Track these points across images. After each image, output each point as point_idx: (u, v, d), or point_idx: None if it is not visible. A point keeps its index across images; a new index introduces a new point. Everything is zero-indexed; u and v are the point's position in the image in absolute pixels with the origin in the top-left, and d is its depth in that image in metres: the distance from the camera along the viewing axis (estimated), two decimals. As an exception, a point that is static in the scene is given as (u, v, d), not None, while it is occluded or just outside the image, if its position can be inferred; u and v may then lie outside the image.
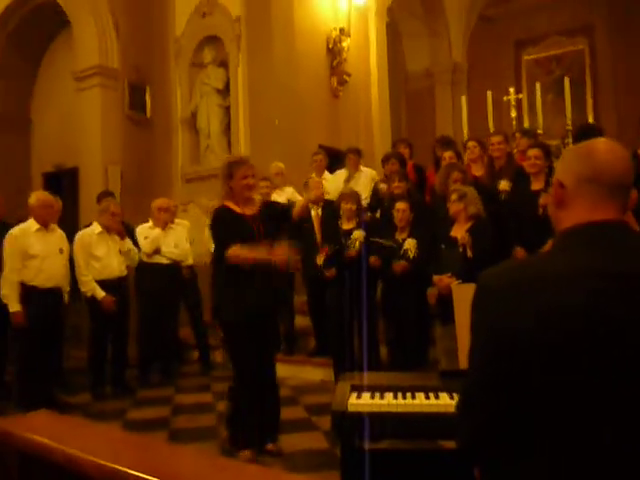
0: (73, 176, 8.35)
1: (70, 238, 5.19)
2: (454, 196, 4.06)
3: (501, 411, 1.14)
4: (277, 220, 3.55)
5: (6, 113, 9.38)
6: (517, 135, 5.99)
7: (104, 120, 7.51)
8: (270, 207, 3.64)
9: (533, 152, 4.36)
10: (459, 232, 4.02)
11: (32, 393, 4.44)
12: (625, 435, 1.05)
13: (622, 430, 1.05)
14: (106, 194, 5.85)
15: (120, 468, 1.03)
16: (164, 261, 5.42)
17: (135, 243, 5.33)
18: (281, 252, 3.24)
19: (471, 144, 5.18)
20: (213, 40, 7.63)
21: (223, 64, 7.55)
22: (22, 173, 9.41)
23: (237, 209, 3.34)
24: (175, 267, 5.51)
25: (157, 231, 5.40)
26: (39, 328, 4.42)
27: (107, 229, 5.01)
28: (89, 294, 4.91)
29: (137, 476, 1.00)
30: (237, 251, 3.17)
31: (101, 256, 4.94)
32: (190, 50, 7.76)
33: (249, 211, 3.37)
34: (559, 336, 1.06)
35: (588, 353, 1.06)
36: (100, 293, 4.87)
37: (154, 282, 5.32)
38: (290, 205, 4.43)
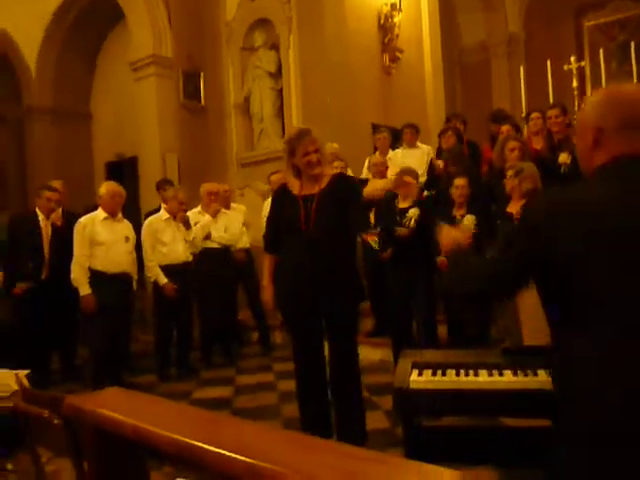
0: (133, 165, 8.60)
1: (132, 224, 5.39)
2: (510, 172, 3.96)
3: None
4: (346, 195, 3.04)
5: (67, 107, 9.75)
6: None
7: (160, 109, 7.67)
8: (340, 181, 3.13)
9: None
10: (515, 208, 3.93)
11: (101, 374, 4.64)
12: None
13: None
14: (165, 182, 5.98)
15: (192, 442, 1.06)
16: (215, 246, 5.50)
17: None
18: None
19: (534, 115, 5.00)
20: (263, 23, 7.63)
21: (274, 47, 7.55)
22: (85, 164, 9.78)
23: (294, 189, 3.10)
24: (226, 251, 5.59)
25: (207, 217, 5.48)
26: (108, 312, 4.57)
27: (173, 215, 5.16)
28: (153, 279, 5.08)
29: (209, 449, 1.03)
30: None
31: (167, 241, 5.10)
32: (241, 34, 7.79)
33: (311, 190, 3.04)
34: (602, 248, 1.30)
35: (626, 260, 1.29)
36: (163, 279, 5.01)
37: (207, 266, 5.41)
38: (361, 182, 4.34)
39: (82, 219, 4.74)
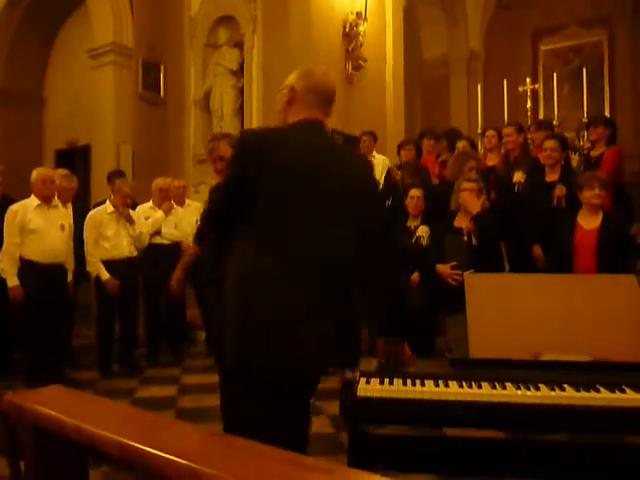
0: (85, 154, 8.37)
1: (81, 216, 5.23)
2: (471, 185, 4.04)
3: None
4: None
5: (20, 90, 9.40)
6: (532, 128, 5.93)
7: (117, 98, 7.49)
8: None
9: (549, 144, 4.33)
10: (463, 221, 4.04)
11: (37, 369, 4.48)
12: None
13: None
14: (117, 173, 5.84)
15: (135, 444, 1.04)
16: (164, 242, 5.42)
17: None
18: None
19: (490, 133, 5.14)
20: (228, 20, 7.56)
21: (238, 45, 7.49)
22: (34, 150, 9.43)
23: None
24: (175, 247, 5.49)
25: (160, 213, 5.38)
26: (36, 303, 4.40)
27: (118, 209, 5.02)
28: (94, 274, 4.93)
29: (148, 451, 1.01)
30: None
31: (111, 236, 4.95)
32: (205, 30, 7.70)
33: None
34: (292, 171, 1.86)
35: (307, 183, 1.86)
36: (105, 275, 4.87)
37: (155, 263, 5.29)
38: None
39: (13, 206, 4.52)
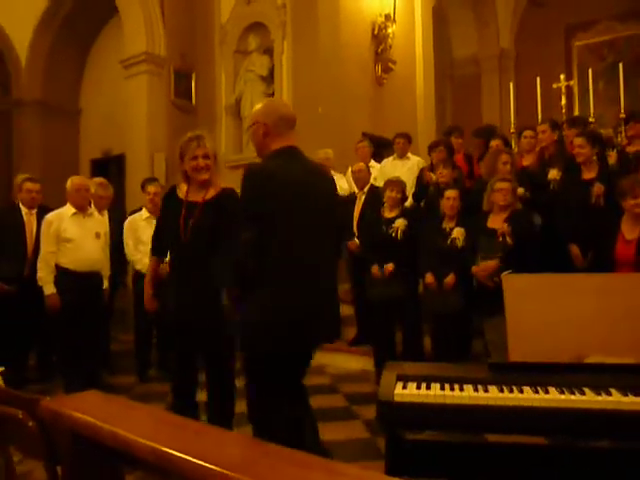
0: (120, 162, 8.52)
1: (117, 223, 5.31)
2: (507, 185, 3.96)
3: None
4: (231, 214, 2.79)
5: (57, 101, 9.65)
6: (565, 125, 5.79)
7: (150, 107, 7.61)
8: (227, 198, 2.90)
9: (577, 141, 4.24)
10: (497, 222, 3.96)
11: (75, 374, 4.54)
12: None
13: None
14: (151, 180, 5.91)
15: (167, 450, 1.03)
16: None
17: None
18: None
19: (528, 133, 5.04)
20: (258, 27, 7.61)
21: (268, 51, 7.53)
22: (71, 160, 9.66)
23: (181, 194, 2.96)
24: None
25: None
26: (72, 310, 4.44)
27: (152, 213, 5.08)
28: (144, 270, 4.97)
29: (185, 459, 1.00)
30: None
31: (146, 240, 5.01)
32: (235, 37, 7.77)
33: (196, 197, 2.89)
34: (289, 196, 2.30)
35: (302, 206, 2.33)
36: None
37: None
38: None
39: (49, 215, 4.59)
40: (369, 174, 5.60)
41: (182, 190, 2.97)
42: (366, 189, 5.44)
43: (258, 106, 2.54)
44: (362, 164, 5.61)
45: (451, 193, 4.43)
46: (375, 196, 5.20)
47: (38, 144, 9.39)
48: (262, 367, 2.37)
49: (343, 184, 5.84)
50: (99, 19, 9.44)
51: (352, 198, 5.53)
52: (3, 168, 10.06)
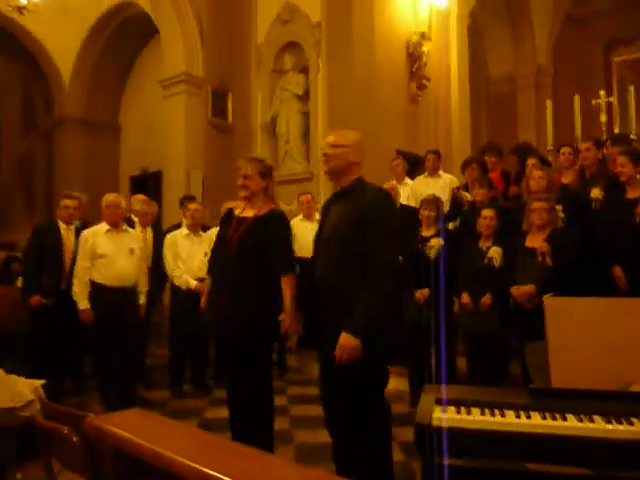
0: (157, 179, 8.69)
1: (154, 238, 5.43)
2: (543, 204, 3.90)
3: None
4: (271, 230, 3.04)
5: (98, 120, 9.94)
6: (608, 142, 5.67)
7: (188, 126, 7.77)
8: (272, 215, 3.08)
9: (620, 159, 4.15)
10: (536, 241, 3.88)
11: (111, 388, 4.61)
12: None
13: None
14: (190, 198, 6.02)
15: (214, 473, 1.03)
16: None
17: None
18: None
19: (566, 149, 4.96)
20: (293, 46, 7.72)
21: (303, 70, 7.62)
22: (111, 177, 9.91)
23: (237, 210, 3.17)
24: None
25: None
26: (106, 325, 4.52)
27: (191, 230, 5.16)
28: (184, 287, 5.04)
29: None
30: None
31: (184, 257, 5.09)
32: (271, 57, 7.89)
33: (248, 213, 3.10)
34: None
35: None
36: (193, 282, 5.01)
37: None
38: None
39: (85, 231, 4.70)
40: (398, 193, 5.58)
41: (239, 207, 3.18)
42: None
43: (345, 132, 2.70)
44: (393, 182, 5.60)
45: (488, 212, 4.38)
46: (406, 215, 5.19)
47: (79, 161, 9.68)
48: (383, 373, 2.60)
49: None
50: (140, 40, 9.72)
51: None
52: (45, 185, 10.38)
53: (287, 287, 2.95)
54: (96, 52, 9.72)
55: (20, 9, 8.22)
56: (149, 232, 5.49)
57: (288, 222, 3.25)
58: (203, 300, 3.34)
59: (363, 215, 2.48)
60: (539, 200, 3.99)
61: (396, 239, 2.63)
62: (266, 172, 3.12)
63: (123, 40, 9.65)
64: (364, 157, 2.70)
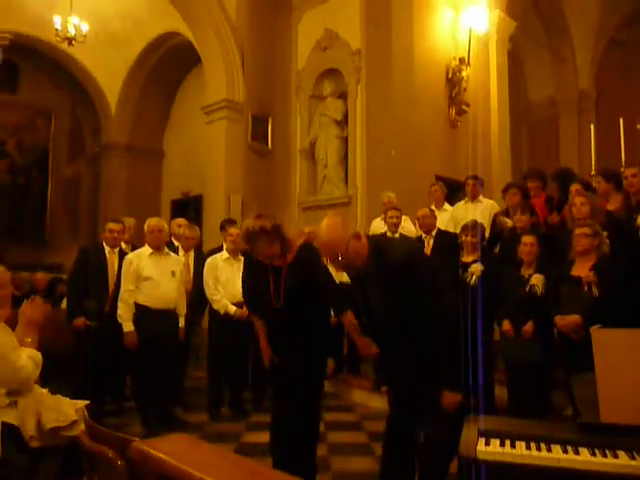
0: (198, 203, 8.86)
1: (195, 261, 5.50)
2: (587, 230, 3.80)
3: None
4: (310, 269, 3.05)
5: (143, 145, 10.23)
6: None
7: (228, 150, 7.92)
8: (303, 251, 3.11)
9: None
10: (582, 270, 3.76)
11: (151, 410, 4.66)
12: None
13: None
14: (231, 222, 6.09)
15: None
16: None
17: None
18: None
19: (630, 171, 4.82)
20: (333, 73, 7.84)
21: (342, 96, 7.71)
22: (153, 200, 10.16)
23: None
24: None
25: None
26: (149, 347, 4.58)
27: (231, 254, 5.22)
28: (222, 311, 5.09)
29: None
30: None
31: (224, 281, 5.14)
32: (311, 83, 8.02)
33: (279, 262, 3.08)
34: None
35: None
36: (232, 309, 5.04)
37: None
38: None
39: (129, 255, 4.83)
40: (434, 218, 5.54)
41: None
42: (434, 233, 5.39)
43: (333, 226, 2.59)
44: (426, 209, 5.58)
45: (528, 239, 4.30)
46: (444, 240, 5.15)
47: (123, 185, 9.97)
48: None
49: (411, 227, 5.81)
50: (183, 68, 10.01)
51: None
52: (90, 207, 10.69)
53: (348, 324, 3.05)
54: (142, 80, 10.06)
55: (69, 40, 8.58)
56: (191, 256, 5.57)
57: (317, 253, 3.15)
58: (264, 344, 3.34)
59: (392, 281, 2.60)
60: (581, 226, 3.90)
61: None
62: (276, 232, 3.03)
63: (167, 68, 9.96)
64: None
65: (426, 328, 2.54)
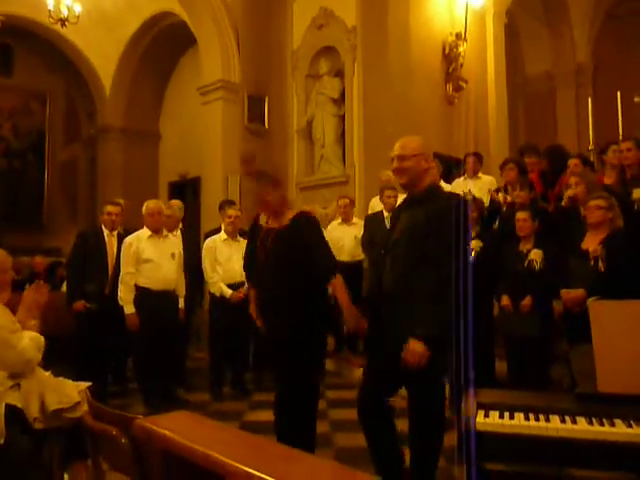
0: (196, 185, 8.83)
1: (193, 244, 5.50)
2: (601, 202, 3.75)
3: None
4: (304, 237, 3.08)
5: (138, 128, 10.16)
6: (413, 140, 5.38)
7: (225, 132, 7.88)
8: (299, 220, 3.12)
9: None
10: (592, 243, 3.72)
11: (153, 390, 4.71)
12: None
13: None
14: (230, 203, 6.08)
15: (262, 475, 1.05)
16: None
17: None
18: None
19: (615, 147, 4.82)
20: (329, 51, 7.76)
21: (339, 74, 7.65)
22: (150, 183, 10.13)
23: (263, 220, 3.26)
24: None
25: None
26: (150, 328, 4.62)
27: (230, 235, 5.22)
28: (218, 294, 5.12)
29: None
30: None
31: (223, 261, 5.15)
32: (306, 62, 7.94)
33: (274, 224, 3.16)
34: None
35: None
36: (227, 292, 5.06)
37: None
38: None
39: (128, 237, 4.83)
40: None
41: (264, 218, 3.25)
42: None
43: (409, 140, 2.64)
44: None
45: (521, 215, 4.32)
46: None
47: (120, 168, 9.92)
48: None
49: None
50: (178, 48, 9.90)
51: None
52: (88, 191, 10.66)
53: (338, 289, 3.00)
54: (136, 61, 9.96)
55: (62, 21, 8.48)
56: (177, 236, 5.54)
57: (316, 224, 3.22)
58: (252, 309, 3.36)
59: (428, 224, 2.47)
60: (595, 198, 3.84)
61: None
62: (277, 183, 3.19)
63: (162, 49, 9.86)
64: (432, 159, 2.66)
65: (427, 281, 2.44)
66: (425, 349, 2.41)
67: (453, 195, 2.73)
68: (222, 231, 5.34)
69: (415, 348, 2.42)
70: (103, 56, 9.95)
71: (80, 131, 11.12)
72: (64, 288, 5.93)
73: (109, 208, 5.31)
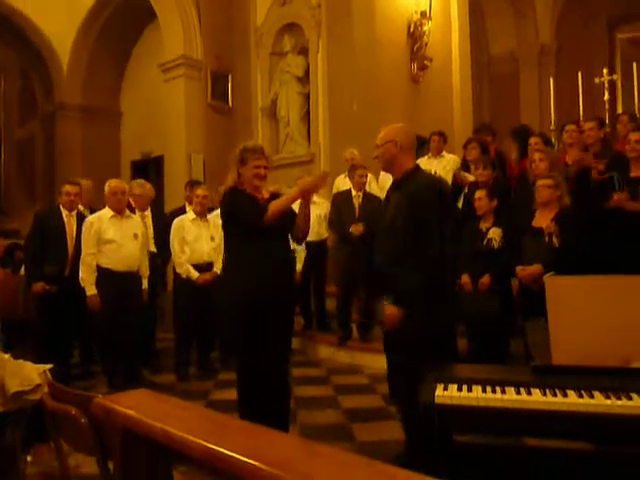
0: (159, 164, 8.68)
1: (156, 222, 5.44)
2: (549, 182, 3.86)
3: None
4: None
5: (98, 106, 9.89)
6: (622, 118, 5.53)
7: (188, 109, 7.74)
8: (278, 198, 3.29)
9: (634, 136, 4.09)
10: (544, 221, 3.85)
11: (116, 371, 4.68)
12: None
13: None
14: (195, 183, 6.00)
15: (223, 451, 1.06)
16: None
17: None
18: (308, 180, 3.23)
19: (570, 127, 4.93)
20: (293, 28, 7.67)
21: (303, 51, 7.57)
22: (112, 162, 9.90)
23: (248, 191, 3.28)
24: None
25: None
26: (113, 309, 4.58)
27: (198, 215, 5.17)
28: (184, 275, 5.08)
29: (238, 459, 1.02)
30: (275, 205, 3.08)
31: (190, 241, 5.10)
32: (270, 39, 7.83)
33: (259, 196, 3.29)
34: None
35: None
36: (194, 274, 5.03)
37: None
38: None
39: (90, 217, 4.76)
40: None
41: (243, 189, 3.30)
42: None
43: (390, 128, 2.95)
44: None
45: (477, 193, 4.40)
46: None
47: (80, 147, 9.66)
48: None
49: (376, 186, 5.85)
50: (138, 24, 9.63)
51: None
52: (46, 171, 10.36)
53: (273, 206, 3.09)
54: (93, 37, 9.64)
55: (17, -6, 8.15)
56: (148, 216, 5.48)
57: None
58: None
59: (407, 207, 2.74)
60: (543, 178, 3.97)
61: (432, 230, 2.72)
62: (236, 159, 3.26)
63: (121, 24, 9.56)
64: (413, 146, 2.94)
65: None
66: (396, 311, 2.68)
67: (428, 179, 2.98)
68: (189, 211, 5.29)
69: (387, 311, 2.73)
70: (60, 31, 9.60)
71: (37, 109, 10.76)
72: (23, 271, 5.79)
73: (67, 188, 5.18)
